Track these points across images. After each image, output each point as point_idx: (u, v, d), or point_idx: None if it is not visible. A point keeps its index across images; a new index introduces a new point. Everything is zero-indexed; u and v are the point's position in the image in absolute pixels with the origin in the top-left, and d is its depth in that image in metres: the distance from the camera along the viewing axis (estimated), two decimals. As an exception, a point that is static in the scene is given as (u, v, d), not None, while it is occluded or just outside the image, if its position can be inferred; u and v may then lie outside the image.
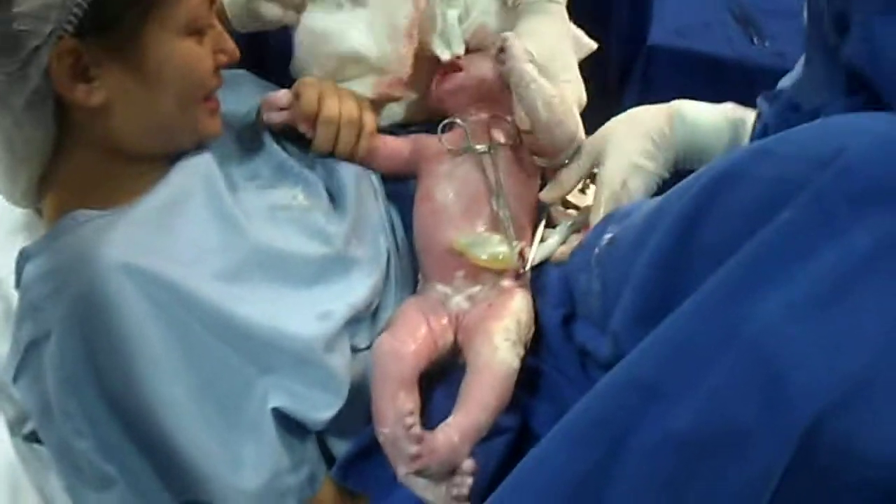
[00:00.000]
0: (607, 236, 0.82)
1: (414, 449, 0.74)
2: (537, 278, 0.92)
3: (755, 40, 1.22)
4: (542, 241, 0.94)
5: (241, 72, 1.01)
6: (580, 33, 1.02)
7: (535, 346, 0.87)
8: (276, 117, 0.95)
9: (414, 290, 0.95)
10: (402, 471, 0.76)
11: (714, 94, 1.30)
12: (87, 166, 0.83)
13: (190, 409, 0.74)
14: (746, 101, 1.25)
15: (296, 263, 0.85)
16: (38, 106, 0.77)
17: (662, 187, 0.90)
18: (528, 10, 0.98)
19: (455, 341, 0.88)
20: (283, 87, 0.98)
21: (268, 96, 0.96)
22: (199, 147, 0.87)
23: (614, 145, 0.88)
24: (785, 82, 0.96)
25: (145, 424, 0.73)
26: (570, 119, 0.91)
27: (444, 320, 0.87)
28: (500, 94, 0.95)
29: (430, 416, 0.81)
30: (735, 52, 1.21)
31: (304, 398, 0.79)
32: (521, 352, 0.83)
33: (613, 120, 0.91)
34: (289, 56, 1.02)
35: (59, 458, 0.76)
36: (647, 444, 0.59)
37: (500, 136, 0.94)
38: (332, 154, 0.95)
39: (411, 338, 0.84)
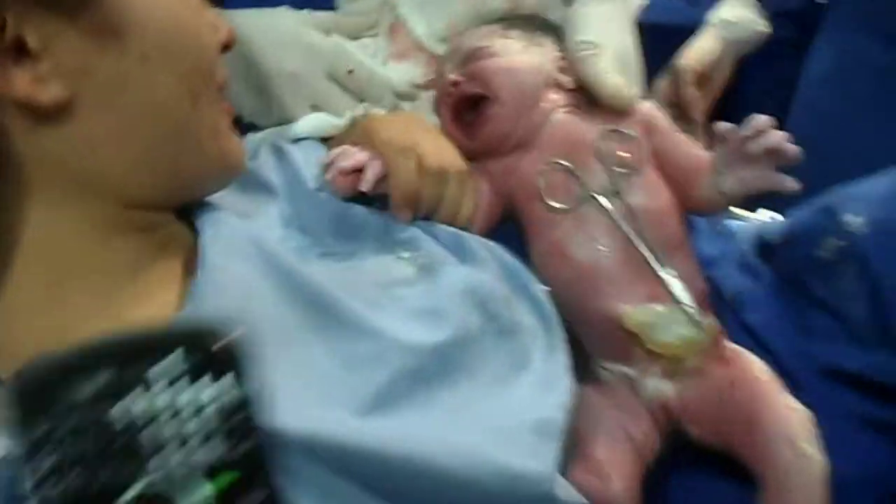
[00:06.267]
0: (854, 221, 0.64)
1: None
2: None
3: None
4: None
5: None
6: None
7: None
8: (365, 185, 0.65)
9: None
10: None
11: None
12: (57, 254, 0.49)
13: None
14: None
15: (459, 357, 0.54)
16: None
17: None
18: None
19: (663, 436, 0.62)
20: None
21: (336, 159, 0.66)
22: (212, 203, 0.58)
23: None
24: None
25: None
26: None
27: (646, 423, 0.61)
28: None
29: None
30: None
31: None
32: None
33: None
34: None
35: None
36: None
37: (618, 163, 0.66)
38: None
39: (615, 470, 0.58)
